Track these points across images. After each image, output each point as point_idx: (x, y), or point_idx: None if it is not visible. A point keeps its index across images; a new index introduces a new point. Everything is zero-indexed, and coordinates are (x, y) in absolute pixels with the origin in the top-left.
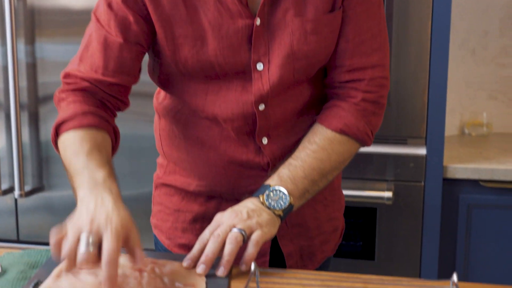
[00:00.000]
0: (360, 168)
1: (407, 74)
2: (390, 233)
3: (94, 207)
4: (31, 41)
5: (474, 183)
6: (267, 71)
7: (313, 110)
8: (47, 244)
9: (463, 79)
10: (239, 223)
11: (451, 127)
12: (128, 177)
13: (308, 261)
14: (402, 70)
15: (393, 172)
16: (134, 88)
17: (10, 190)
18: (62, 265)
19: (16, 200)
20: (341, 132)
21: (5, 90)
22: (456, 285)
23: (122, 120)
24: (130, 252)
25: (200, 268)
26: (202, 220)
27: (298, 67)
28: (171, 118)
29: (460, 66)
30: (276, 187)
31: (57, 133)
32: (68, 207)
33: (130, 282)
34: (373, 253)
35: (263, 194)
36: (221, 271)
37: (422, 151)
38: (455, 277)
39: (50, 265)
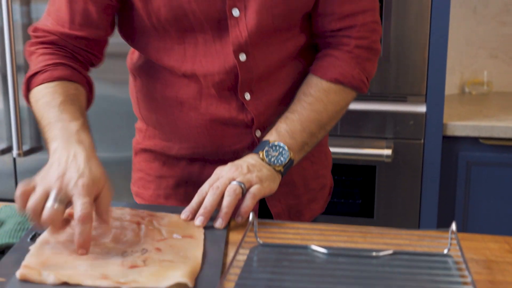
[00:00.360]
0: (359, 126)
1: (407, 31)
2: (389, 191)
3: (65, 162)
4: (26, 2)
5: (473, 141)
6: (243, 17)
7: (298, 62)
8: None
9: (463, 37)
10: (238, 176)
11: (451, 86)
12: (106, 143)
13: (297, 220)
14: (403, 27)
15: (392, 130)
16: (110, 49)
17: (9, 149)
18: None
19: (14, 160)
20: (336, 81)
21: (1, 52)
22: (455, 233)
23: (98, 82)
24: (98, 212)
25: (199, 220)
26: (186, 185)
27: (277, 13)
28: (147, 79)
29: (461, 24)
30: (276, 143)
31: (28, 87)
32: None
33: (127, 234)
34: (372, 211)
35: (262, 151)
36: (219, 223)
37: (422, 108)
38: (454, 226)
39: None
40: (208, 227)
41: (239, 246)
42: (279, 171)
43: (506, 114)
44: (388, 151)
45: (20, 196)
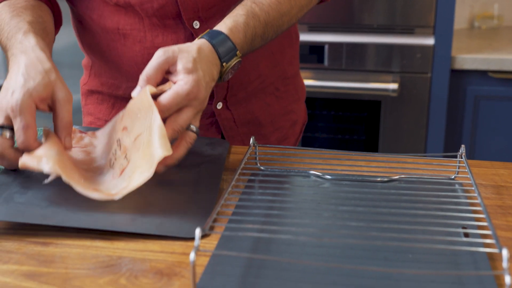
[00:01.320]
0: (364, 60)
1: None
2: (394, 127)
3: (8, 81)
4: None
5: (482, 74)
6: None
7: None
8: None
9: None
10: (196, 121)
11: (460, 20)
12: None
13: None
14: None
15: (399, 63)
16: None
17: None
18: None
19: None
20: None
21: None
22: (464, 157)
23: None
24: (56, 129)
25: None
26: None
27: None
28: (82, 9)
29: None
30: (239, 55)
31: None
32: None
33: (98, 145)
34: (376, 148)
35: (228, 62)
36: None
37: (430, 41)
38: (463, 149)
39: None
40: (206, 154)
41: (238, 169)
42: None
43: None
44: (394, 85)
45: None
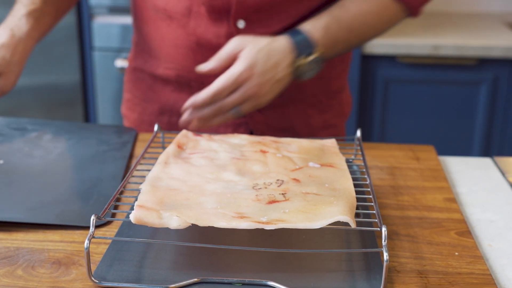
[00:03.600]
0: None
1: None
2: None
3: None
4: None
5: (391, 59)
6: None
7: None
8: None
9: None
10: (247, 104)
11: None
12: None
13: None
14: None
15: None
16: None
17: None
18: (169, 150)
19: None
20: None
21: None
22: (360, 140)
23: None
24: None
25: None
26: (170, 113)
27: None
28: None
29: None
30: (321, 57)
31: None
32: None
33: (253, 164)
34: None
35: (306, 58)
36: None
37: None
38: (358, 133)
39: None
40: (112, 142)
41: (140, 156)
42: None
43: (423, 31)
44: None
45: None
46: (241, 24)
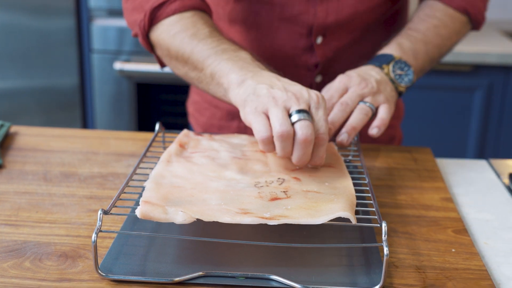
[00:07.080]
0: None
1: None
2: None
3: (279, 83)
4: None
5: None
6: None
7: (380, 10)
8: None
9: None
10: (368, 96)
11: None
12: None
13: None
14: None
15: None
16: None
17: None
18: (171, 149)
19: None
20: (464, 11)
21: None
22: (358, 141)
23: None
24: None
25: (344, 137)
26: (240, 119)
27: None
28: None
29: None
30: (402, 60)
31: (152, 21)
32: None
33: (254, 164)
34: None
35: (387, 65)
36: (344, 137)
37: None
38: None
39: None
40: None
41: (143, 154)
42: (400, 92)
43: None
44: None
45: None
46: (319, 40)
